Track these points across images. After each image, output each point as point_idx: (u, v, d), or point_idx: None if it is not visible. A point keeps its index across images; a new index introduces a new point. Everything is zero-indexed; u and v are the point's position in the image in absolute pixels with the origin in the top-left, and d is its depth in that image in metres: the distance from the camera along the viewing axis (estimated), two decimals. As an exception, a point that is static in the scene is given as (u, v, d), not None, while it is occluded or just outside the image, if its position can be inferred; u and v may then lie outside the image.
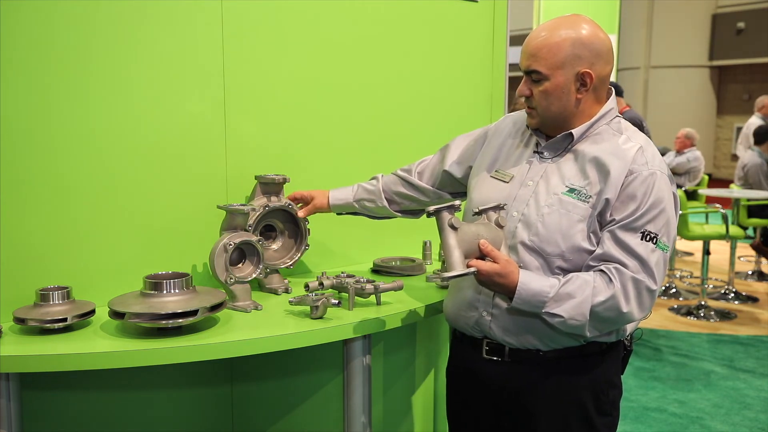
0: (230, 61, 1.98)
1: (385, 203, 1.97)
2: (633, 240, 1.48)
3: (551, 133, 1.62)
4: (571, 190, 1.54)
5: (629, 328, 1.66)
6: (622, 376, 1.72)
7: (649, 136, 4.89)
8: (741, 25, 13.95)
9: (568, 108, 1.56)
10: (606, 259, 1.49)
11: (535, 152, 1.64)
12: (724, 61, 14.44)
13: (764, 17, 13.51)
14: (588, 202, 1.52)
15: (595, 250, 1.52)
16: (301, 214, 2.00)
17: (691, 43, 14.47)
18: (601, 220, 1.52)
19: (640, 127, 4.39)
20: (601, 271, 1.49)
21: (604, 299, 1.46)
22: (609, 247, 1.49)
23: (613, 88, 1.64)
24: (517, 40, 3.82)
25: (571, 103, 1.55)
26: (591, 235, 1.52)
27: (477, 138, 1.84)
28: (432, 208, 1.46)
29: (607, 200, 1.50)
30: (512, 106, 5.22)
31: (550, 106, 1.56)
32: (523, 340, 1.60)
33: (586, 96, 1.55)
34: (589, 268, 1.52)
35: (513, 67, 3.09)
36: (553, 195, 1.55)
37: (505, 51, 2.73)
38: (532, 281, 1.48)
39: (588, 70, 1.52)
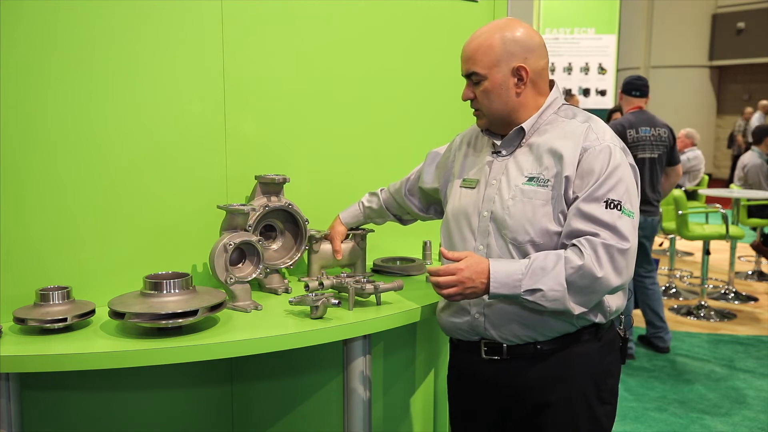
0: (230, 61, 1.98)
1: (392, 218, 2.13)
2: (598, 210, 1.50)
3: (502, 131, 1.68)
4: (531, 179, 1.59)
5: (613, 304, 1.63)
6: (622, 366, 1.74)
7: (632, 143, 4.53)
8: (741, 25, 13.95)
9: (510, 103, 1.62)
10: (576, 234, 1.51)
11: (493, 153, 1.69)
12: (724, 61, 14.44)
13: (764, 17, 13.51)
14: (547, 186, 1.56)
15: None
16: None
17: (691, 43, 14.48)
18: (566, 200, 1.55)
19: (622, 134, 3.91)
20: (573, 245, 1.51)
21: (577, 267, 1.47)
22: (575, 222, 1.52)
23: (554, 80, 1.70)
24: (517, 40, 3.81)
25: (512, 98, 1.62)
26: (559, 216, 1.55)
27: (446, 151, 1.92)
28: None
29: (567, 177, 1.54)
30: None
31: (492, 104, 1.63)
32: (520, 333, 1.61)
33: (525, 90, 1.62)
34: (564, 247, 1.54)
35: (513, 67, 3.08)
36: (515, 187, 1.60)
37: (505, 51, 2.72)
38: (504, 264, 1.52)
39: (522, 65, 1.59)
